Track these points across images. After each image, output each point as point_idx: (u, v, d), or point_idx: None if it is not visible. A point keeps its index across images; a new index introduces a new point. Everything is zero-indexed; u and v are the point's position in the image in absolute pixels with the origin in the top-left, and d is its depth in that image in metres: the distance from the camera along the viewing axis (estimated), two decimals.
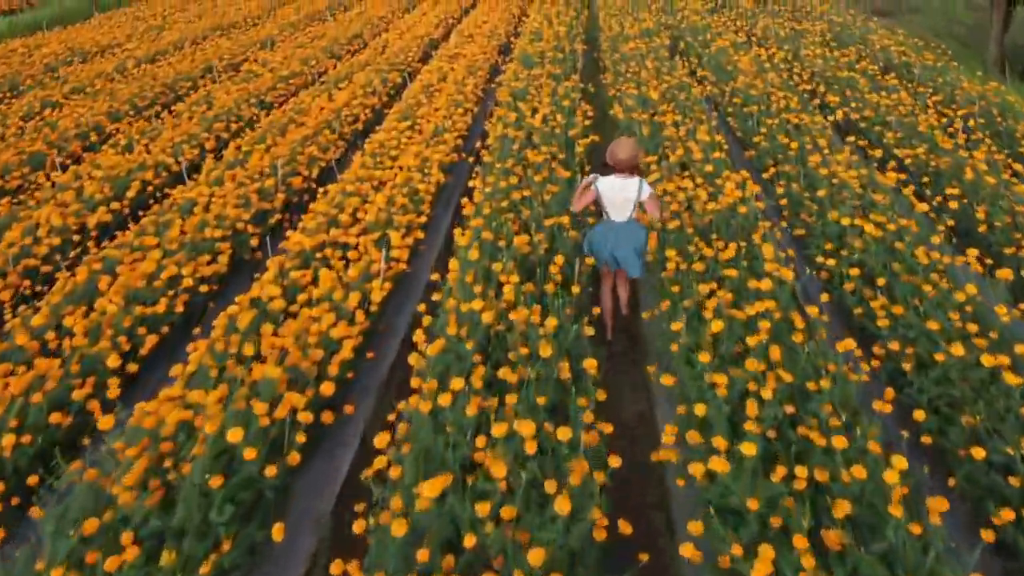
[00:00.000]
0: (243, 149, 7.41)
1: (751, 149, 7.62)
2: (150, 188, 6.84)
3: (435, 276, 4.69)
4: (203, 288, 5.15)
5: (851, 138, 6.94)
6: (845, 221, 5.12)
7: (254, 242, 5.89)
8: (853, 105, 8.42)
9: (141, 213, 6.42)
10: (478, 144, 8.01)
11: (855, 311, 4.65)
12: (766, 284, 4.08)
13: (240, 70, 11.12)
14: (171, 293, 5.01)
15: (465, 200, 5.92)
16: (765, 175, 6.69)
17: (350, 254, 5.31)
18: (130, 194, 6.59)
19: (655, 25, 12.49)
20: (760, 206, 5.42)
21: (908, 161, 7.00)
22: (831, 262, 5.07)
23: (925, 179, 6.67)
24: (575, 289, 4.30)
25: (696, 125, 7.29)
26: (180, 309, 4.90)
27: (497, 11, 15.58)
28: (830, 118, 7.95)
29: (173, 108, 9.45)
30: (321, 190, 6.50)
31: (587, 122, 7.82)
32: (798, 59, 10.90)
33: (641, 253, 4.49)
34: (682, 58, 11.87)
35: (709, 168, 5.96)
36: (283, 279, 5.13)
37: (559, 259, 4.67)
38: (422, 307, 4.48)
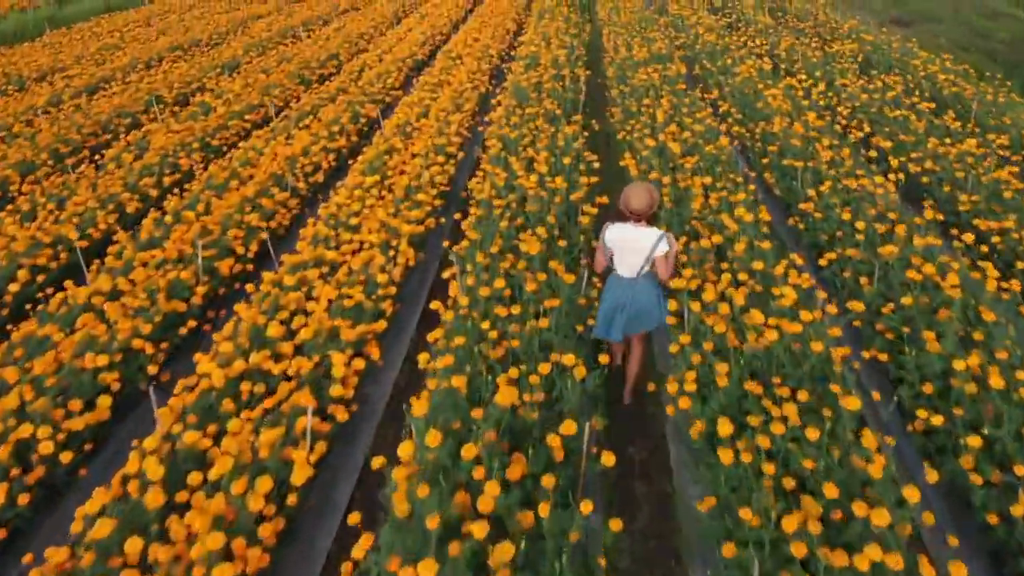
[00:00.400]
0: (167, 218, 5.97)
1: (795, 216, 6.19)
2: (41, 278, 5.40)
3: (378, 462, 3.24)
4: (65, 457, 3.71)
5: (928, 214, 5.48)
6: (958, 365, 3.68)
7: (153, 368, 4.44)
8: (913, 155, 6.98)
9: (10, 328, 4.96)
10: (458, 215, 6.57)
11: (987, 515, 3.22)
12: (881, 518, 2.63)
13: (191, 102, 9.67)
14: (17, 471, 3.57)
15: (437, 303, 4.48)
16: (822, 262, 5.25)
17: (268, 402, 3.88)
18: (13, 288, 5.16)
19: (667, 47, 11.04)
20: (836, 333, 3.97)
21: (996, 239, 5.56)
22: (937, 420, 3.63)
23: (1020, 264, 5.25)
24: (585, 507, 2.86)
25: (730, 188, 5.85)
26: (25, 500, 3.46)
27: (490, 26, 14.14)
28: (891, 177, 6.50)
29: (101, 155, 8.01)
30: (250, 287, 5.05)
31: (593, 179, 6.38)
32: (832, 88, 9.47)
33: (656, 312, 4.03)
34: (700, 88, 10.43)
35: (759, 265, 4.52)
36: (174, 443, 3.69)
37: (567, 426, 3.25)
38: (354, 517, 3.05)
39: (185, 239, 5.65)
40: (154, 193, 6.84)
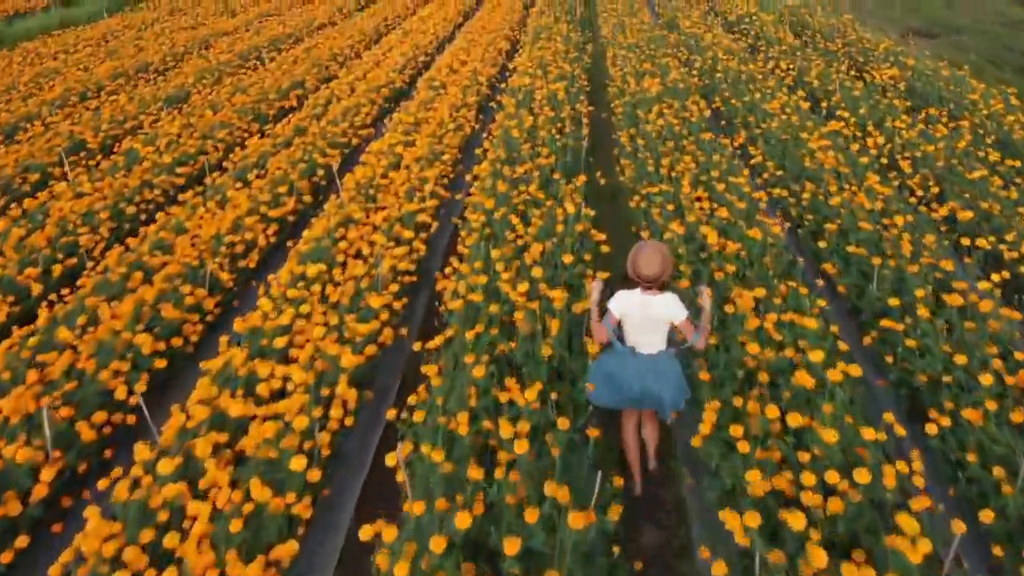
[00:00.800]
0: (31, 342, 4.43)
1: (872, 331, 4.65)
2: None
3: None
4: None
5: None
6: None
7: None
8: (1009, 238, 5.44)
9: None
10: (418, 345, 5.03)
11: None
12: None
13: (118, 149, 8.12)
14: None
15: (370, 529, 2.94)
16: (930, 428, 3.70)
17: None
18: None
19: (683, 78, 9.49)
20: None
21: None
22: None
23: None
24: None
25: (792, 304, 4.32)
26: None
27: (480, 45, 12.60)
28: (995, 278, 4.95)
29: None
30: (114, 473, 3.50)
31: (603, 275, 4.84)
32: (881, 130, 7.92)
33: (679, 387, 3.49)
34: (723, 125, 8.89)
35: (863, 477, 2.97)
36: None
37: None
38: None
39: (49, 375, 4.13)
40: (37, 289, 5.29)
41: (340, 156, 8.04)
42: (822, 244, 5.43)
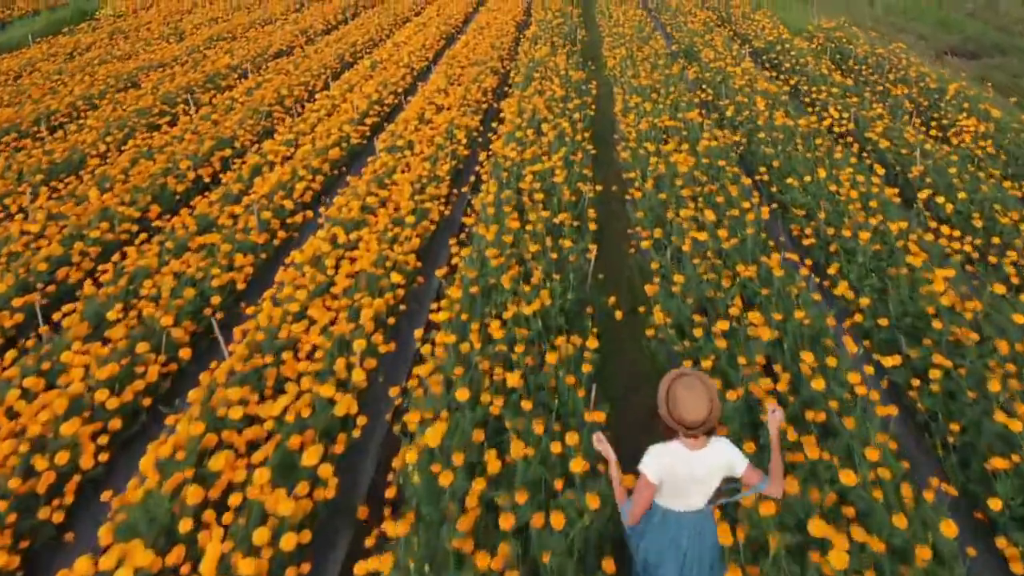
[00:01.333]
0: None
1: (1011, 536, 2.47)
2: None
3: None
4: None
5: None
6: None
7: None
8: None
9: None
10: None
11: None
12: None
13: None
14: None
15: None
16: None
17: None
18: None
19: (720, 144, 7.28)
20: None
21: None
22: None
23: None
24: None
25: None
26: None
27: (462, 84, 10.39)
28: None
29: None
30: None
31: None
32: (995, 229, 5.75)
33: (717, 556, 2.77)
34: (774, 212, 6.66)
35: None
36: None
37: None
38: None
39: None
40: None
41: (253, 266, 5.86)
42: (995, 504, 3.23)
